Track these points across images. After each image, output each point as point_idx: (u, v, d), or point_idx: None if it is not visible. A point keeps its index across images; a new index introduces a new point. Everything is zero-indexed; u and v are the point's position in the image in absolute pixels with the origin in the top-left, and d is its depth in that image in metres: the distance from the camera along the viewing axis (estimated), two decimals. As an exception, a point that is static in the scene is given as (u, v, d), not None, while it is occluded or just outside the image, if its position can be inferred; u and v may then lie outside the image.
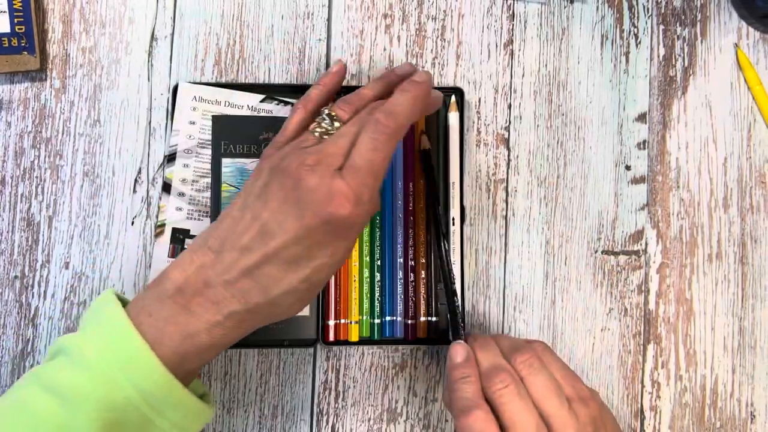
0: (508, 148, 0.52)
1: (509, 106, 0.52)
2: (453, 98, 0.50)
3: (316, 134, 0.41)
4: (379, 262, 0.49)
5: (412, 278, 0.49)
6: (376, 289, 0.49)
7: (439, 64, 0.52)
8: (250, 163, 0.49)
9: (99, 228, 0.49)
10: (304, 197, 0.37)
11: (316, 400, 0.50)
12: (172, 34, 0.51)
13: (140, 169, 0.50)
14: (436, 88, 0.51)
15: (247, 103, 0.49)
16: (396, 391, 0.50)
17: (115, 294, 0.39)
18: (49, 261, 0.49)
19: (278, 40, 0.51)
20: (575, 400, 0.39)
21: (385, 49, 0.52)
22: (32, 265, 0.49)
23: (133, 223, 0.49)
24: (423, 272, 0.49)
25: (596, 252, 0.51)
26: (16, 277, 0.49)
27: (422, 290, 0.49)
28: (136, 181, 0.50)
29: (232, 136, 0.49)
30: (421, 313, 0.49)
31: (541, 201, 0.52)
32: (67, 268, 0.49)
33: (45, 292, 0.49)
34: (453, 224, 0.48)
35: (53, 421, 0.35)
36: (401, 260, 0.49)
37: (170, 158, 0.49)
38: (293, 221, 0.37)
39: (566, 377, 0.41)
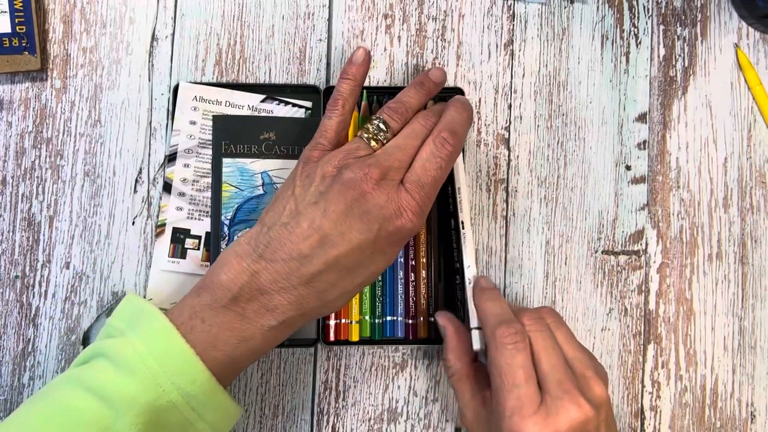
0: (509, 148, 0.52)
1: (509, 107, 0.52)
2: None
3: (366, 140, 0.42)
4: None
5: (412, 278, 0.49)
6: (377, 288, 0.49)
7: (439, 64, 0.52)
8: (250, 163, 0.49)
9: (100, 228, 0.49)
10: (372, 211, 0.39)
11: (316, 400, 0.50)
12: (173, 34, 0.51)
13: (141, 169, 0.50)
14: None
15: (248, 103, 0.50)
16: (396, 390, 0.50)
17: (140, 298, 0.40)
18: (49, 261, 0.49)
19: (279, 41, 0.51)
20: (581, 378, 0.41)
21: (385, 50, 0.52)
22: (33, 264, 0.49)
23: (133, 223, 0.50)
24: (423, 272, 0.49)
25: (596, 252, 0.52)
26: (16, 276, 0.49)
27: (423, 290, 0.49)
28: (136, 181, 0.50)
29: (233, 135, 0.49)
30: (422, 313, 0.49)
31: (542, 201, 0.52)
32: (67, 267, 0.49)
33: (46, 291, 0.49)
34: (462, 228, 0.48)
35: (98, 423, 0.36)
36: (402, 260, 0.49)
37: (171, 158, 0.49)
38: (358, 233, 0.39)
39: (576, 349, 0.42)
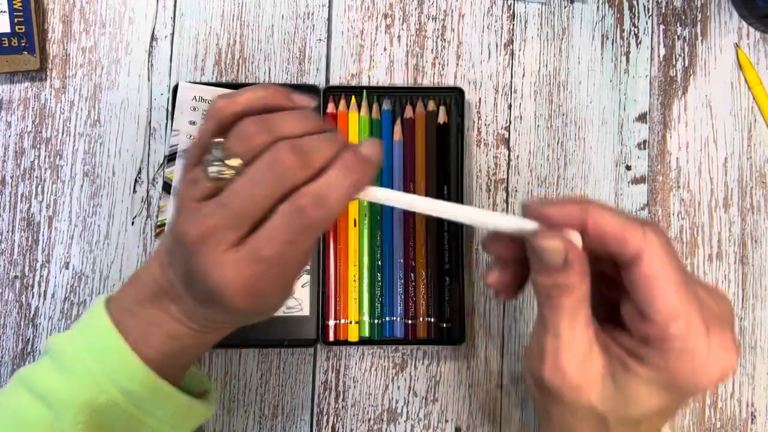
0: (509, 148, 0.52)
1: (509, 106, 0.52)
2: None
3: (209, 173, 0.31)
4: (379, 262, 0.49)
5: (412, 278, 0.49)
6: (377, 289, 0.49)
7: (439, 64, 0.52)
8: None
9: (99, 228, 0.49)
10: (198, 278, 0.32)
11: (316, 400, 0.50)
12: (172, 34, 0.51)
13: (140, 169, 0.50)
14: (435, 88, 0.51)
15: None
16: (396, 391, 0.50)
17: (109, 295, 0.38)
18: (49, 261, 0.49)
19: (278, 40, 0.51)
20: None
21: (385, 49, 0.52)
22: (32, 265, 0.49)
23: (133, 223, 0.49)
24: (423, 272, 0.49)
25: (596, 252, 0.51)
26: (16, 277, 0.49)
27: (422, 290, 0.49)
28: (136, 181, 0.50)
29: None
30: (421, 313, 0.49)
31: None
32: (67, 268, 0.49)
33: (45, 292, 0.49)
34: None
35: (40, 425, 0.35)
36: (401, 260, 0.49)
37: (170, 158, 0.49)
38: (201, 299, 0.33)
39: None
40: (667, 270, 0.28)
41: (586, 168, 0.52)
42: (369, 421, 0.50)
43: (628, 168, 0.52)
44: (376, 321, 0.49)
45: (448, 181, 0.49)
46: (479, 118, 0.52)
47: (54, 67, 0.50)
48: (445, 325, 0.49)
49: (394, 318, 0.49)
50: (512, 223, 0.32)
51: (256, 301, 0.32)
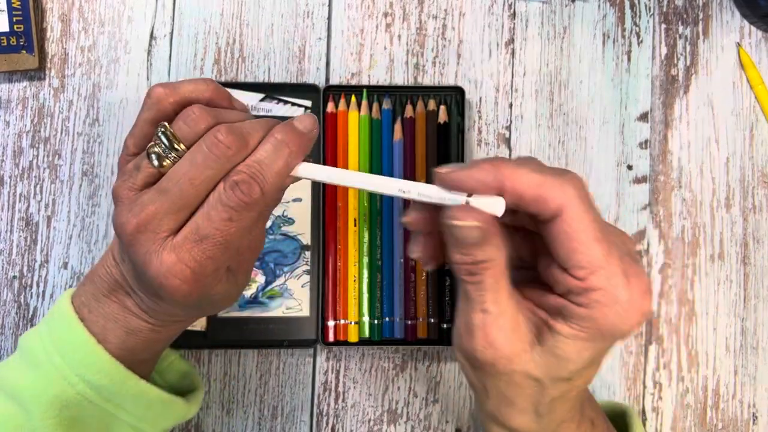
0: (509, 148, 0.52)
1: (510, 106, 0.52)
2: (454, 97, 0.50)
3: (154, 160, 0.31)
4: (379, 263, 0.49)
5: (412, 278, 0.49)
6: (377, 289, 0.49)
7: (439, 63, 0.52)
8: None
9: (98, 228, 0.49)
10: (138, 267, 0.31)
11: (316, 401, 0.49)
12: (172, 33, 0.51)
13: (139, 168, 0.50)
14: (436, 87, 0.51)
15: (247, 103, 0.49)
16: (396, 392, 0.50)
17: (73, 289, 0.37)
18: (47, 261, 0.49)
19: (278, 39, 0.51)
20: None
21: (385, 48, 0.51)
22: (31, 265, 0.49)
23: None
24: (423, 272, 0.49)
25: (598, 252, 0.51)
26: (14, 277, 0.49)
27: (422, 291, 0.49)
28: (135, 180, 0.49)
29: None
30: (421, 313, 0.49)
31: (543, 201, 0.51)
32: (65, 268, 0.49)
33: (43, 292, 0.49)
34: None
35: (12, 423, 0.34)
36: (401, 260, 0.49)
37: None
38: (146, 292, 0.33)
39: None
40: (587, 223, 0.28)
41: (588, 167, 0.52)
42: (369, 422, 0.49)
43: (630, 167, 0.52)
44: (376, 321, 0.48)
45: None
46: (480, 117, 0.51)
47: (53, 67, 0.50)
48: (445, 325, 0.48)
49: (394, 318, 0.48)
50: (435, 193, 0.31)
51: (201, 288, 0.31)
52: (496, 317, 0.29)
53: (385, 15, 0.52)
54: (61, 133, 0.49)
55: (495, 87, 0.52)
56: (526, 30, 0.52)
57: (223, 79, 0.50)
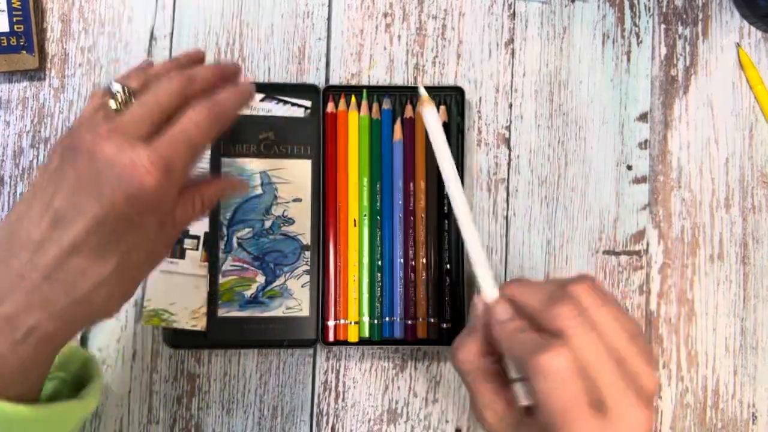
0: (509, 148, 0.52)
1: (510, 106, 0.52)
2: (454, 98, 0.50)
3: (112, 107, 0.34)
4: (379, 262, 0.49)
5: (412, 278, 0.49)
6: (377, 289, 0.49)
7: (439, 63, 0.52)
8: (249, 162, 0.49)
9: (98, 228, 0.49)
10: (103, 170, 0.31)
11: (316, 401, 0.49)
12: (172, 33, 0.51)
13: (139, 168, 0.50)
14: (436, 87, 0.51)
15: None
16: (396, 391, 0.50)
17: None
18: (47, 261, 0.49)
19: (278, 39, 0.51)
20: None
21: (385, 48, 0.51)
22: (31, 265, 0.49)
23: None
24: (423, 273, 0.49)
25: (597, 252, 0.51)
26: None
27: (422, 291, 0.49)
28: (135, 180, 0.50)
29: (232, 135, 0.49)
30: (421, 313, 0.49)
31: (542, 201, 0.51)
32: (65, 268, 0.49)
33: (44, 292, 0.49)
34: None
35: None
36: (401, 260, 0.49)
37: None
38: (92, 201, 0.31)
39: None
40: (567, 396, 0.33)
41: (587, 168, 0.52)
42: (369, 421, 0.50)
43: (629, 168, 0.52)
44: (375, 321, 0.48)
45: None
46: (480, 117, 0.52)
47: (53, 67, 0.50)
48: (445, 325, 0.48)
49: (394, 318, 0.48)
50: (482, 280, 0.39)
51: (170, 183, 0.33)
52: (489, 404, 0.37)
53: (385, 15, 0.52)
54: (62, 133, 0.49)
55: (495, 87, 0.52)
56: (525, 30, 0.52)
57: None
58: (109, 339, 0.49)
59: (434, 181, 0.49)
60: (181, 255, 0.48)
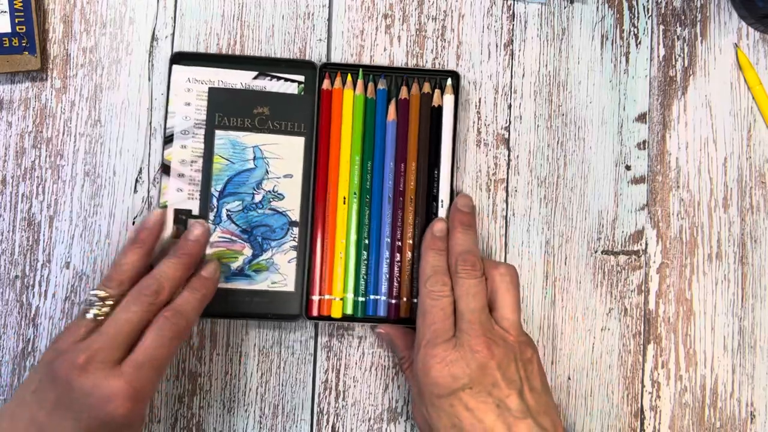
0: (509, 148, 0.52)
1: (509, 106, 0.52)
2: (449, 81, 0.50)
3: (90, 317, 0.41)
4: (366, 241, 0.49)
5: (398, 258, 0.49)
6: (362, 267, 0.49)
7: (439, 64, 0.52)
8: (243, 136, 0.49)
9: (100, 228, 0.49)
10: (80, 400, 0.37)
11: (316, 400, 0.50)
12: (173, 34, 0.51)
13: (141, 169, 0.50)
14: (431, 71, 0.51)
15: (241, 81, 0.50)
16: (396, 390, 0.50)
17: None
18: (49, 261, 0.49)
19: (279, 41, 0.51)
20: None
21: (385, 50, 0.52)
22: (33, 264, 0.49)
23: (134, 222, 0.50)
24: (409, 253, 0.49)
25: (596, 252, 0.52)
26: (16, 276, 0.49)
27: (407, 271, 0.49)
28: (137, 181, 0.50)
29: (227, 108, 0.49)
30: (405, 293, 0.49)
31: (541, 201, 0.52)
32: (67, 267, 0.49)
33: (46, 291, 0.49)
34: (442, 206, 0.49)
35: None
36: (388, 240, 0.49)
37: (168, 140, 0.49)
38: (71, 421, 0.37)
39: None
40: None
41: (586, 168, 0.52)
42: (369, 420, 0.50)
43: (628, 168, 0.52)
44: (360, 299, 0.49)
45: (438, 164, 0.49)
46: (479, 118, 0.52)
47: (55, 67, 0.50)
48: None
49: (378, 297, 0.49)
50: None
51: (141, 407, 0.38)
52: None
53: (385, 16, 0.52)
54: (63, 133, 0.50)
55: (494, 88, 0.52)
56: (525, 31, 0.52)
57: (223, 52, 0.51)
58: (110, 338, 0.49)
59: (425, 163, 0.50)
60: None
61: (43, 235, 0.49)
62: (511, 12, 0.52)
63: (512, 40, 0.52)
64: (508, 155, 0.52)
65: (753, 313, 0.52)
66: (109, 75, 0.50)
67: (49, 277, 0.49)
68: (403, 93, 0.50)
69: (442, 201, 0.49)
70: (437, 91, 0.50)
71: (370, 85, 0.50)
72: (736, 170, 0.52)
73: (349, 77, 0.50)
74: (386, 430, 0.50)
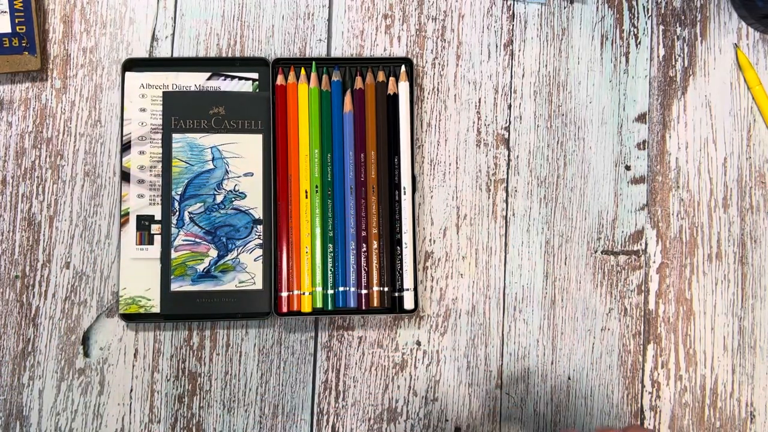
0: (508, 148, 0.52)
1: (509, 107, 0.52)
2: (403, 68, 0.50)
3: None
4: (331, 233, 0.49)
5: (364, 248, 0.49)
6: (329, 260, 0.49)
7: (439, 64, 0.52)
8: (200, 138, 0.49)
9: (100, 228, 0.49)
10: None
11: (316, 400, 0.50)
12: (173, 35, 0.51)
13: (141, 169, 0.50)
14: (384, 59, 0.51)
15: (194, 83, 0.50)
16: (396, 390, 0.50)
17: None
18: (49, 261, 0.49)
19: (279, 41, 0.51)
20: None
21: (385, 50, 0.52)
22: (33, 264, 0.49)
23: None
24: (375, 242, 0.49)
25: (596, 252, 0.52)
26: (17, 276, 0.49)
27: (375, 260, 0.49)
28: (136, 181, 0.50)
29: (183, 111, 0.49)
30: (374, 282, 0.49)
31: (541, 201, 0.52)
32: (67, 267, 0.49)
33: (46, 291, 0.49)
34: (404, 194, 0.49)
35: None
36: (353, 231, 0.49)
37: (125, 147, 0.49)
38: None
39: None
40: None
41: (586, 168, 0.52)
42: (369, 420, 0.50)
43: (628, 168, 0.52)
44: (329, 292, 0.49)
45: (398, 151, 0.49)
46: (479, 118, 0.52)
47: (55, 68, 0.50)
48: (397, 294, 0.49)
49: (347, 288, 0.49)
50: None
51: None
52: None
53: (385, 17, 0.52)
54: (63, 133, 0.50)
55: (494, 88, 0.52)
56: (524, 31, 0.52)
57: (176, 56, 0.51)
58: (110, 338, 0.49)
59: (385, 151, 0.50)
60: (150, 241, 0.49)
61: (43, 235, 0.49)
62: (511, 12, 0.52)
63: (512, 41, 0.52)
64: (508, 155, 0.52)
65: (753, 313, 0.52)
66: (109, 75, 0.50)
67: (49, 277, 0.49)
68: (358, 83, 0.50)
69: (404, 188, 0.49)
70: (392, 79, 0.50)
71: (325, 77, 0.50)
72: (735, 170, 0.52)
73: (303, 71, 0.50)
74: (386, 430, 0.50)
